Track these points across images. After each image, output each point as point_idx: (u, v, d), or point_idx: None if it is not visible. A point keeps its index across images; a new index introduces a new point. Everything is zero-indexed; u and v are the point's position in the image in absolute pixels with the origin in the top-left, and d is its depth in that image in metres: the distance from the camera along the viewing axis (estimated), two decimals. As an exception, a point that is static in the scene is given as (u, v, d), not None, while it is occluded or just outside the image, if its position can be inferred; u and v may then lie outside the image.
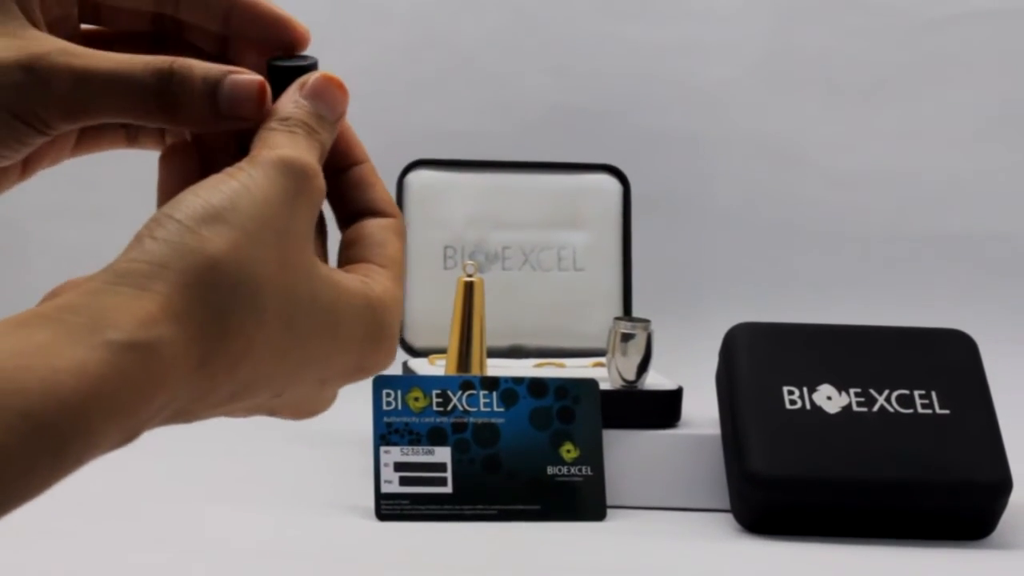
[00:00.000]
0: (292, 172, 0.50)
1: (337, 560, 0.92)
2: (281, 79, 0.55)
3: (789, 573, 0.93)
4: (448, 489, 1.02)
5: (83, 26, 0.59)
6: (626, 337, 1.08)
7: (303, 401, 0.53)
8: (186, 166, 0.55)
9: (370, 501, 1.02)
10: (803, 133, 1.80)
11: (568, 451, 1.04)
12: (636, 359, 1.09)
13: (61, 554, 0.91)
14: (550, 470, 1.03)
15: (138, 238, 0.46)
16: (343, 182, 0.56)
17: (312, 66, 0.56)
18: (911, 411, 1.03)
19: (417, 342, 1.25)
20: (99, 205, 1.73)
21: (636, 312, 1.28)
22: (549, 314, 1.29)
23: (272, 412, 0.52)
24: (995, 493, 0.99)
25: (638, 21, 1.81)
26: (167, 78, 0.52)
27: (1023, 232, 1.77)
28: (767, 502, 1.00)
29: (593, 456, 1.04)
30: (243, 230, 0.47)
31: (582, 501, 1.03)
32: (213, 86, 0.53)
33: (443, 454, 1.03)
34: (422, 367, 1.20)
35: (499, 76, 1.80)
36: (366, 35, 1.79)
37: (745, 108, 1.81)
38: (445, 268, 1.27)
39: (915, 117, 1.80)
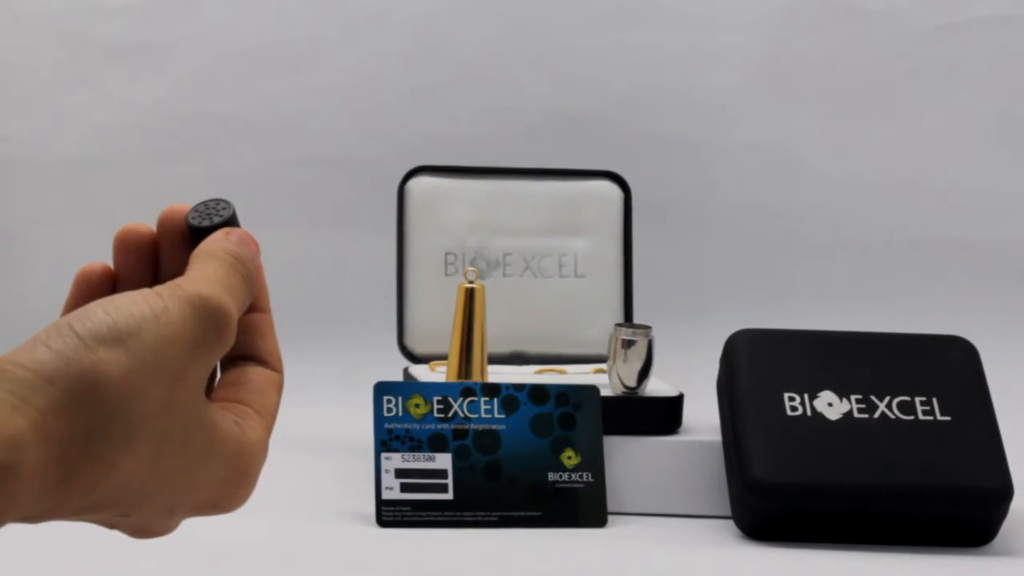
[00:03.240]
0: (208, 316, 0.49)
1: (338, 566, 0.92)
2: (203, 237, 0.55)
3: (790, 580, 0.93)
4: (449, 496, 1.02)
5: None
6: (627, 343, 1.08)
7: (147, 525, 0.51)
8: (101, 290, 0.55)
9: (371, 507, 1.02)
10: (803, 140, 1.80)
11: (569, 457, 1.04)
12: (637, 365, 1.09)
13: (65, 559, 0.91)
14: (551, 476, 1.03)
15: (33, 341, 0.45)
16: (238, 324, 0.55)
17: (231, 219, 0.55)
18: (912, 418, 1.03)
19: (418, 348, 1.25)
20: (98, 213, 1.73)
21: (637, 318, 1.29)
22: (550, 320, 1.29)
23: (112, 527, 0.51)
24: (996, 500, 0.99)
25: (639, 28, 1.81)
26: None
27: (1022, 238, 1.77)
28: (768, 509, 1.00)
29: (594, 462, 1.04)
30: (140, 362, 0.46)
31: (583, 508, 1.03)
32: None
33: (444, 460, 1.02)
34: (423, 373, 1.20)
35: (500, 83, 1.80)
36: (367, 42, 1.80)
37: (745, 115, 1.81)
38: (446, 274, 1.27)
39: (915, 124, 1.81)
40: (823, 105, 1.81)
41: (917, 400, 1.04)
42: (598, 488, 1.04)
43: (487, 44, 1.80)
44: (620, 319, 1.29)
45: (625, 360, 1.09)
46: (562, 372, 1.23)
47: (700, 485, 1.07)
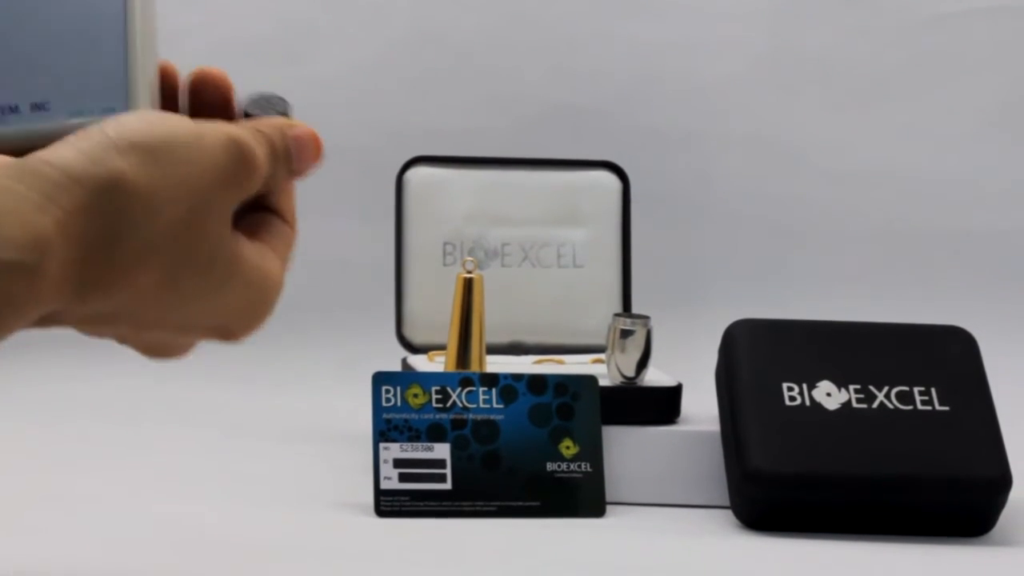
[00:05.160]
0: (238, 155, 0.51)
1: (336, 556, 0.92)
2: None
3: (788, 570, 0.93)
4: (447, 485, 1.01)
5: None
6: (625, 333, 1.08)
7: (158, 343, 0.53)
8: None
9: (369, 497, 1.02)
10: (802, 130, 1.80)
11: (567, 447, 1.04)
12: (635, 355, 1.09)
13: (63, 552, 0.91)
14: (549, 466, 1.03)
15: (65, 140, 0.46)
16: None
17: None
18: (911, 407, 1.03)
19: (416, 338, 1.25)
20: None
21: (636, 308, 1.28)
22: (548, 311, 1.29)
23: (124, 342, 0.53)
24: (994, 490, 0.99)
25: (638, 18, 1.81)
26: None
27: (1022, 229, 1.77)
28: (766, 499, 0.99)
29: (592, 452, 1.04)
30: (166, 176, 0.47)
31: (581, 497, 1.03)
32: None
33: (442, 450, 1.02)
34: (421, 363, 1.20)
35: (498, 72, 1.80)
36: (365, 32, 1.79)
37: (744, 105, 1.81)
38: (444, 264, 1.27)
39: (914, 115, 1.80)
40: (822, 96, 1.81)
41: (916, 390, 1.04)
42: (596, 478, 1.04)
43: (485, 34, 1.80)
44: (619, 309, 1.29)
45: (623, 350, 1.09)
46: (560, 362, 1.23)
47: (698, 475, 1.07)
